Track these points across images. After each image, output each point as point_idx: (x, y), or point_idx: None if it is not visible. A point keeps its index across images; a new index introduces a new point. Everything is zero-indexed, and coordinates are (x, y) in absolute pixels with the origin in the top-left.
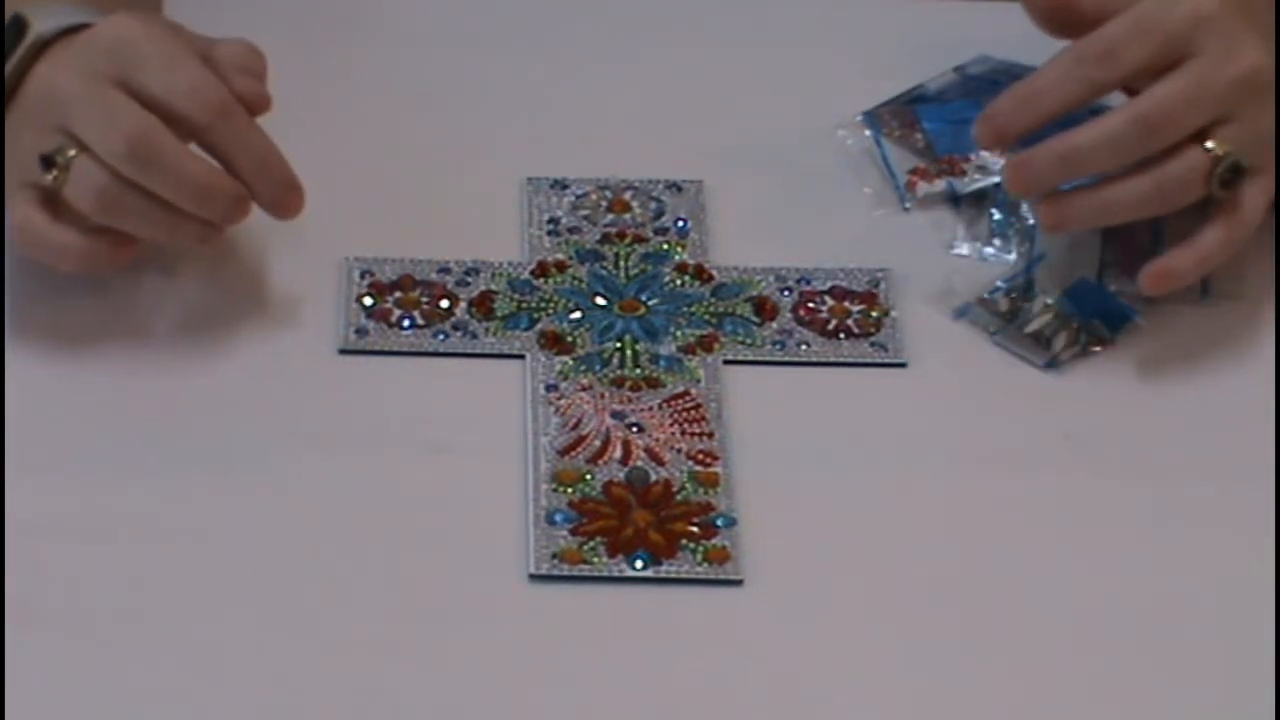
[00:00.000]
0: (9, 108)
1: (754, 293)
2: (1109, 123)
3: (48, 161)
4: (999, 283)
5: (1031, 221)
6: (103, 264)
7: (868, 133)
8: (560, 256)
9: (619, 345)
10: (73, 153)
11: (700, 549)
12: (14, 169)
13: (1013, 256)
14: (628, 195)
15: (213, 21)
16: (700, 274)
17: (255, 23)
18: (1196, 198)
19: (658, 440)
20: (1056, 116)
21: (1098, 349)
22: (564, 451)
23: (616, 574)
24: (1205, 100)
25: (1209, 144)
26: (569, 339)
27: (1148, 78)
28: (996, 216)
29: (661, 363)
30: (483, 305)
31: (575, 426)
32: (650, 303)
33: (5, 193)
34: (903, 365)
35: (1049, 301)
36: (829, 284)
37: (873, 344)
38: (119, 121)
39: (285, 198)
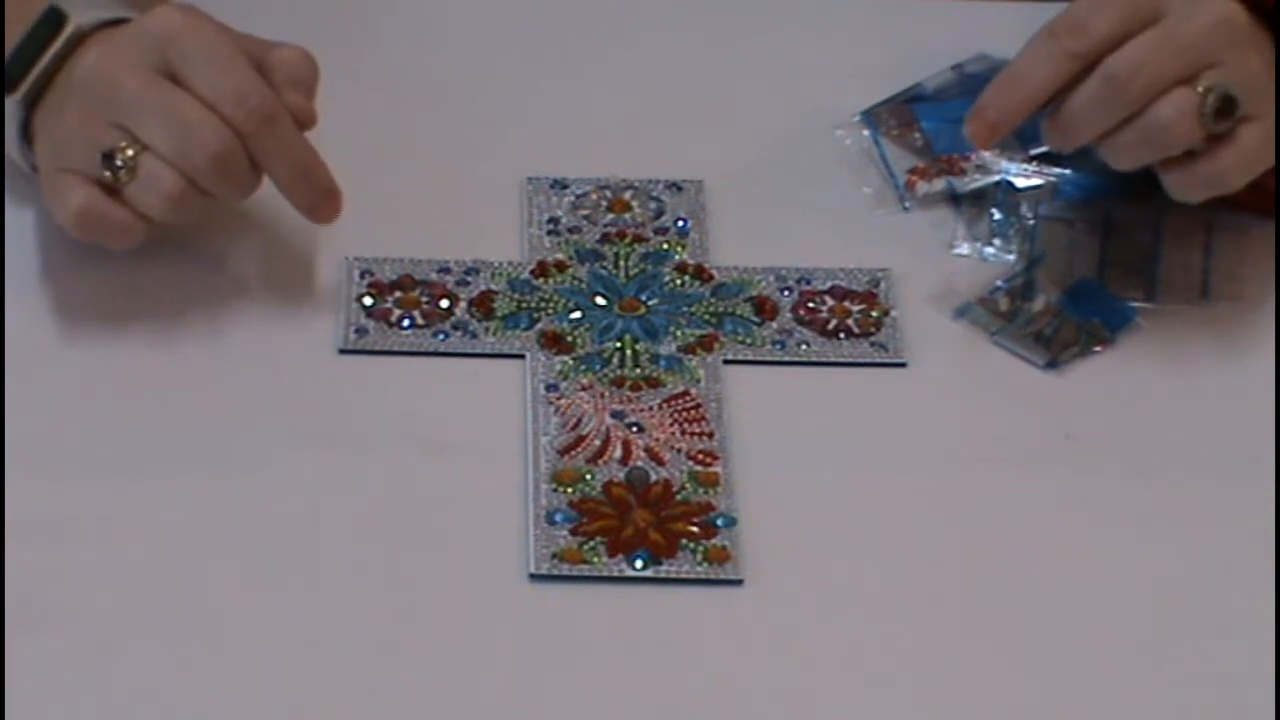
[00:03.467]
0: (48, 93)
1: (754, 293)
2: (1085, 87)
3: (108, 157)
4: (999, 283)
5: (1032, 221)
6: (145, 237)
7: (866, 132)
8: (560, 256)
9: (619, 345)
10: (132, 152)
11: (700, 549)
12: (61, 154)
13: (1013, 256)
14: (628, 195)
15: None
16: (700, 274)
17: (255, 23)
18: (1194, 137)
19: (658, 440)
20: (1043, 97)
21: (1098, 349)
22: (564, 451)
23: (616, 574)
24: (1173, 49)
25: (1196, 85)
26: (569, 339)
27: (1124, 42)
28: (996, 216)
29: (661, 363)
30: (483, 305)
31: (575, 426)
32: (650, 302)
33: (46, 174)
34: (903, 365)
35: (1049, 301)
36: (829, 284)
37: (873, 344)
38: (200, 136)
39: (322, 204)
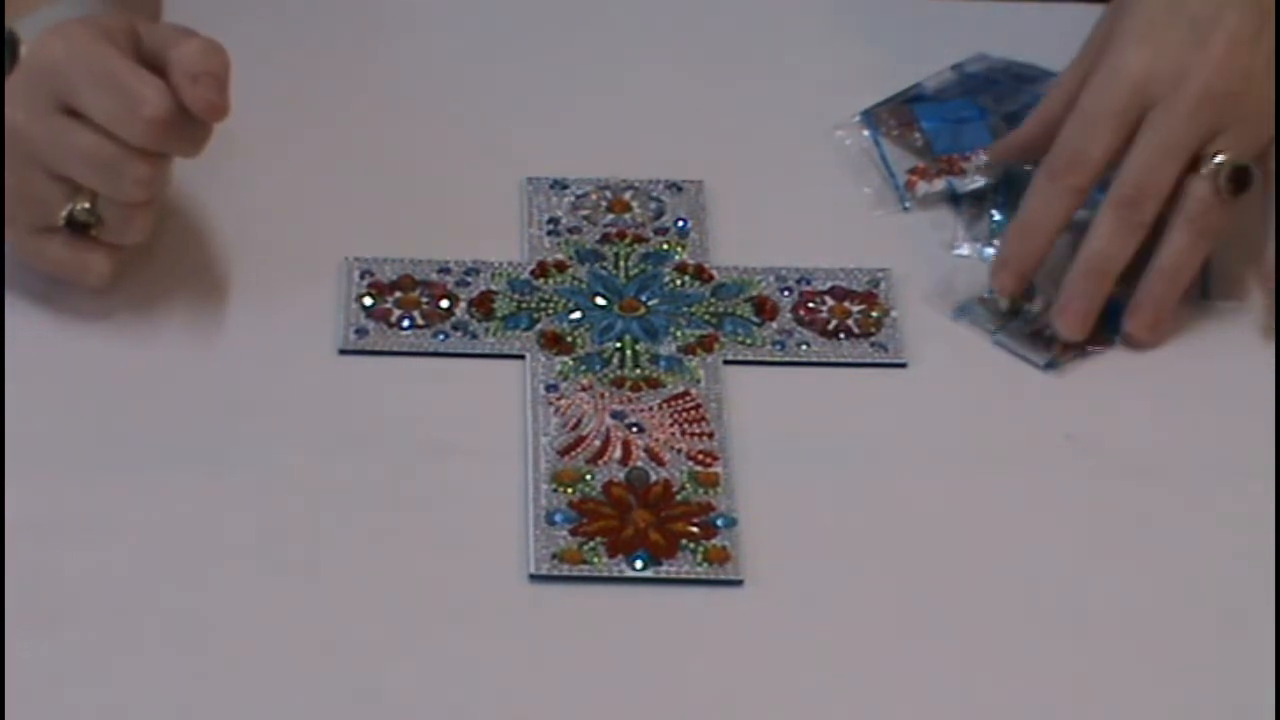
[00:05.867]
0: None
1: (754, 293)
2: (1099, 225)
3: (71, 222)
4: None
5: None
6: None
7: (866, 132)
8: (560, 256)
9: (619, 345)
10: (87, 204)
11: (700, 549)
12: (17, 215)
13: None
14: (628, 195)
15: (213, 21)
16: (700, 274)
17: (255, 23)
18: (1229, 211)
19: (658, 440)
20: (1058, 235)
21: (1098, 349)
22: (564, 451)
23: (616, 574)
24: (1167, 146)
25: (1201, 170)
26: (569, 339)
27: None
28: (996, 216)
29: (661, 363)
30: (483, 305)
31: (575, 426)
32: (650, 303)
33: (13, 233)
34: (903, 365)
35: (1049, 301)
36: (829, 284)
37: (873, 344)
38: (119, 167)
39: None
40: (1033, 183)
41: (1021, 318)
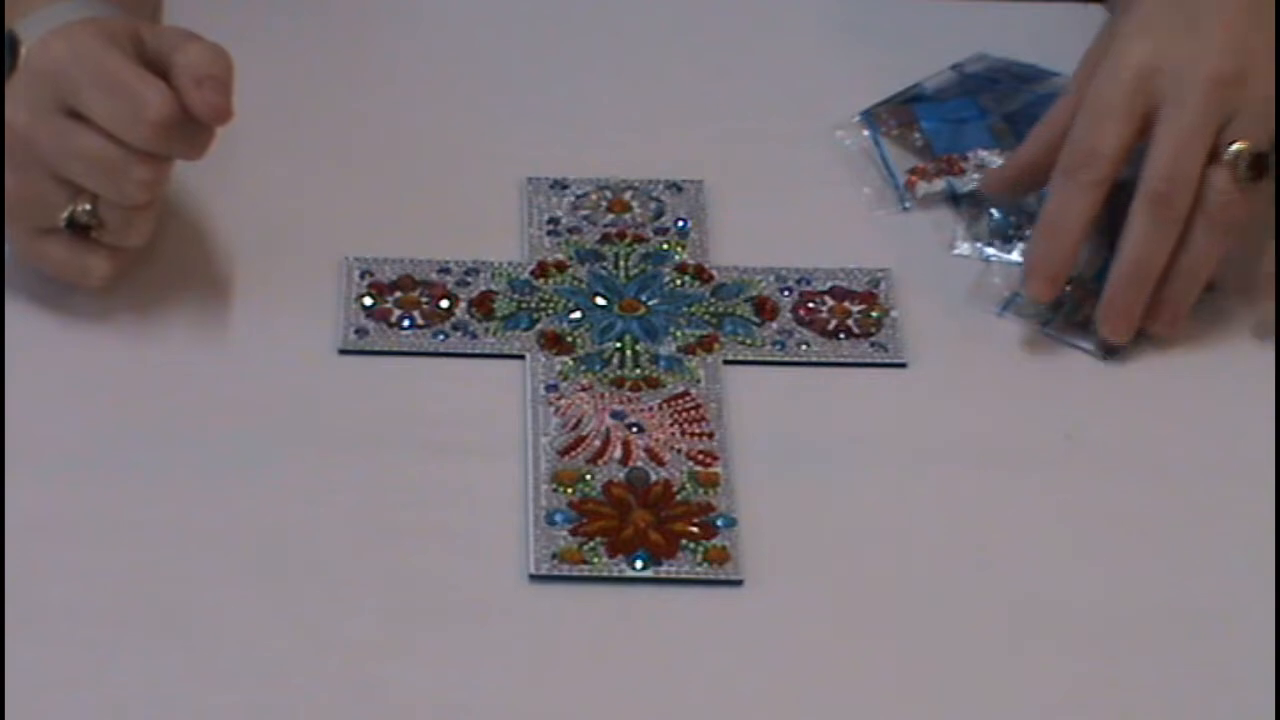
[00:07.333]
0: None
1: (754, 293)
2: (1135, 225)
3: (71, 222)
4: None
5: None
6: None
7: (866, 133)
8: (560, 256)
9: (619, 345)
10: (89, 206)
11: (700, 549)
12: (19, 217)
13: (1014, 255)
14: (628, 195)
15: (212, 22)
16: (700, 274)
17: (255, 22)
18: (1252, 201)
19: (658, 440)
20: (1085, 234)
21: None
22: (564, 452)
23: (616, 574)
24: (1188, 139)
25: (1223, 157)
26: (569, 339)
27: (1143, 137)
28: (996, 216)
29: (661, 363)
30: (483, 305)
31: (575, 427)
32: (650, 303)
33: (14, 233)
34: (903, 365)
35: (1085, 279)
36: (829, 284)
37: (873, 344)
38: (122, 170)
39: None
40: (1051, 184)
41: (1067, 305)
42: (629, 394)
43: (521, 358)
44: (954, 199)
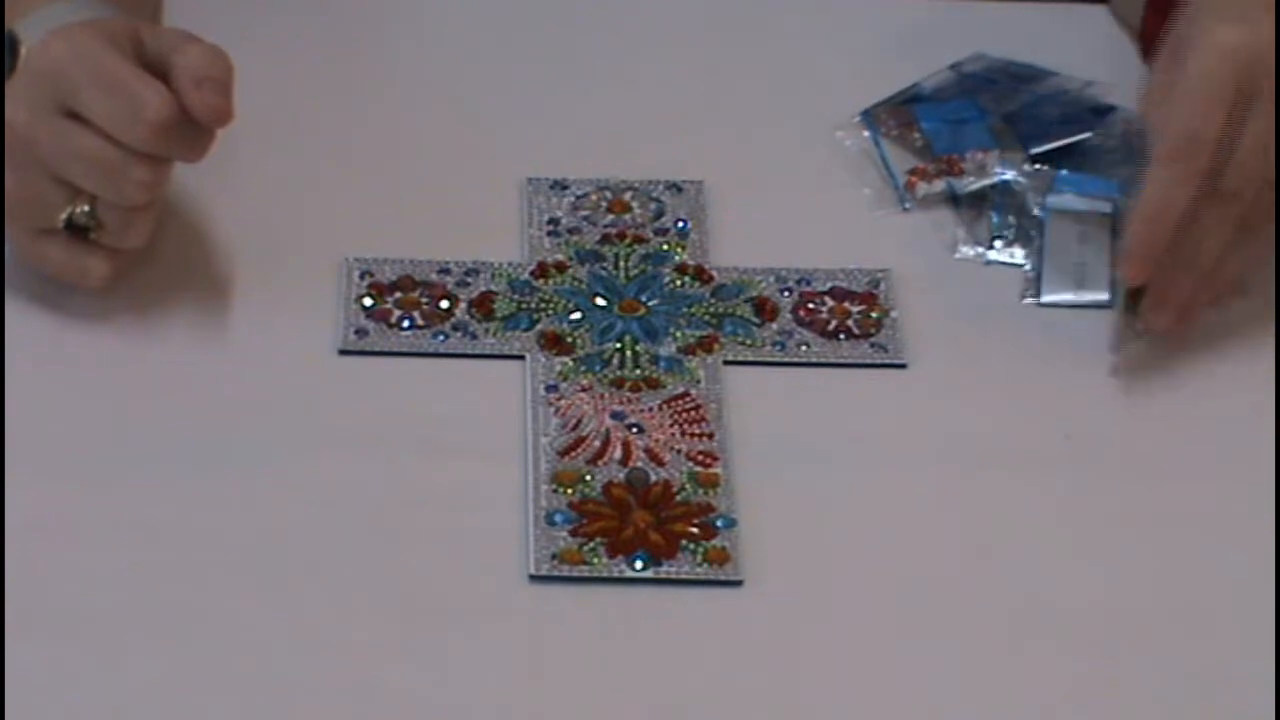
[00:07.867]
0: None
1: (754, 293)
2: (1202, 220)
3: (70, 224)
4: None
5: (1041, 214)
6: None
7: (866, 133)
8: (560, 257)
9: (619, 346)
10: (87, 207)
11: (700, 549)
12: (18, 218)
13: (1015, 257)
14: (628, 196)
15: (212, 22)
16: (700, 275)
17: (255, 23)
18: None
19: (657, 441)
20: (1183, 222)
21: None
22: (564, 452)
23: (616, 574)
24: (1269, 143)
25: None
26: (569, 339)
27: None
28: (996, 218)
29: (661, 363)
30: (483, 306)
31: (575, 427)
32: (650, 303)
33: (13, 233)
34: (903, 366)
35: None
36: (829, 284)
37: (873, 344)
38: (121, 170)
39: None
40: (1149, 170)
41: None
42: (629, 394)
43: (521, 358)
44: (954, 199)
